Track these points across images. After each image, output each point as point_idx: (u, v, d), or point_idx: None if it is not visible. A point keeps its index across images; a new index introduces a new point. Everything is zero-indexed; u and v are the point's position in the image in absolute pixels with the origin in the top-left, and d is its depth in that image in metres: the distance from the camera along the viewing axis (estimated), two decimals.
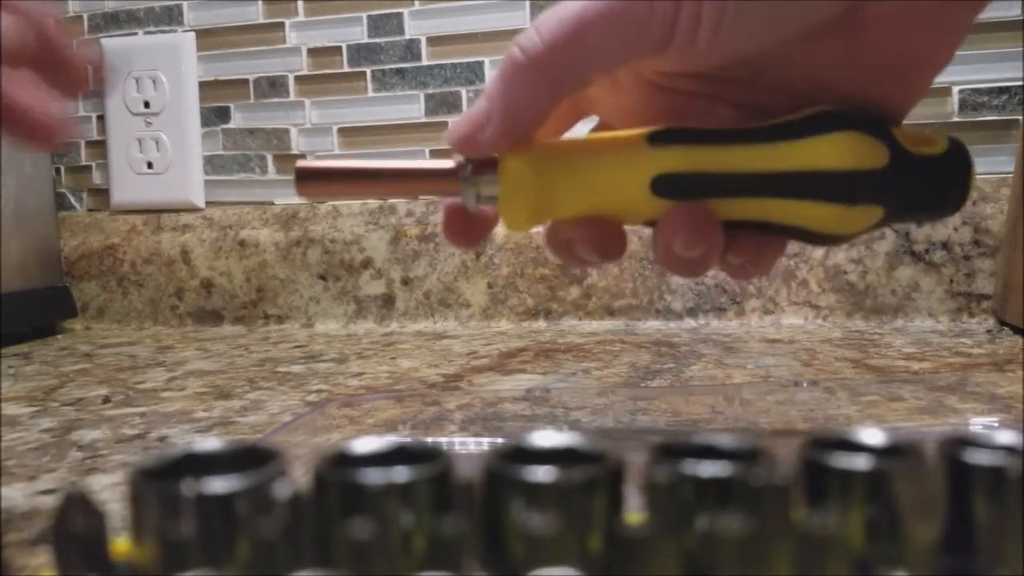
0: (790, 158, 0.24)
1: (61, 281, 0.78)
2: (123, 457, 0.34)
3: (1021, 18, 0.60)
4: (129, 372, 0.55)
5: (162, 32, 0.77)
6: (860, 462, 0.14)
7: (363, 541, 0.13)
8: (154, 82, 0.75)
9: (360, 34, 0.74)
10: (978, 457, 0.15)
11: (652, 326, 0.65)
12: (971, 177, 0.26)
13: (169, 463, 0.15)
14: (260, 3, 0.76)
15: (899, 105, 0.26)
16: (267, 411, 0.42)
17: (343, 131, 0.75)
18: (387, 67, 0.74)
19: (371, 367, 0.53)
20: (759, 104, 0.26)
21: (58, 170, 0.80)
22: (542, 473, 0.14)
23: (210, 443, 0.15)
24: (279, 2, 0.75)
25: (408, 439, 0.16)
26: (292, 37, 0.75)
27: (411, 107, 0.74)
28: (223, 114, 0.76)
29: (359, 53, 0.74)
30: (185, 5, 0.77)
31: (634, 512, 0.14)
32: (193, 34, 0.76)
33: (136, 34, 0.78)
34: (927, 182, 0.25)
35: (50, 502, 0.29)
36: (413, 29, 0.73)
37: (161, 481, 0.14)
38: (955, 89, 0.62)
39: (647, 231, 0.27)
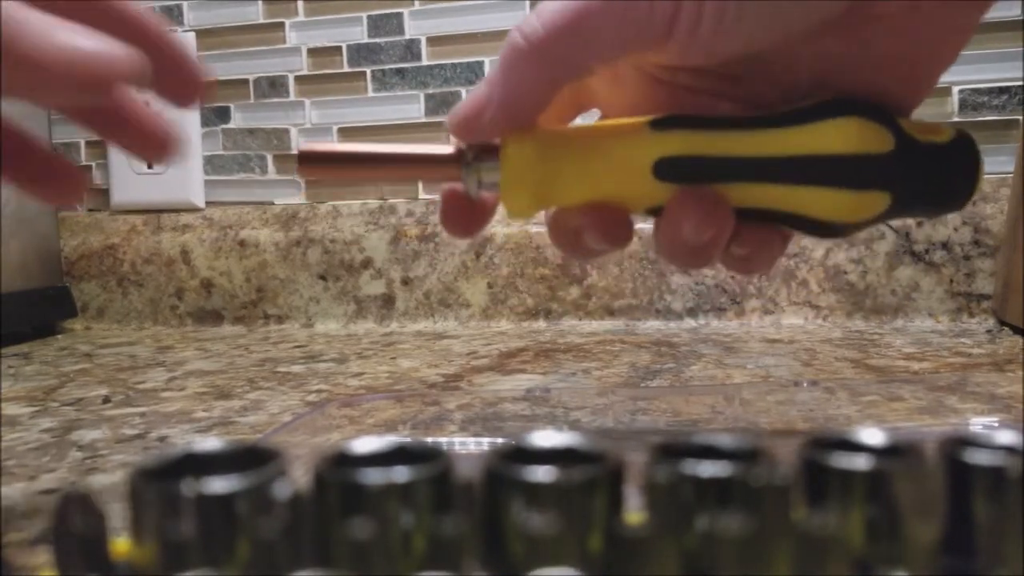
0: (795, 143, 0.24)
1: (61, 281, 0.78)
2: (123, 457, 0.34)
3: (1021, 18, 0.60)
4: (129, 372, 0.55)
5: None
6: (860, 462, 0.14)
7: (363, 541, 0.13)
8: None
9: (360, 34, 0.74)
10: (978, 457, 0.15)
11: (652, 326, 0.65)
12: (979, 168, 0.25)
13: (169, 463, 0.15)
14: (260, 3, 0.76)
15: (903, 103, 0.25)
16: (267, 411, 0.42)
17: (343, 131, 0.75)
18: (387, 67, 0.74)
19: (371, 367, 0.53)
20: (761, 100, 0.26)
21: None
22: (542, 473, 0.14)
23: (210, 443, 0.15)
24: (279, 2, 0.75)
25: (408, 439, 0.16)
26: (292, 37, 0.75)
27: (411, 107, 0.74)
28: (223, 114, 0.76)
29: (359, 53, 0.74)
30: (185, 5, 0.77)
31: (634, 512, 0.14)
32: (193, 34, 0.76)
33: None
34: (934, 170, 0.25)
35: (50, 502, 0.29)
36: (413, 29, 0.73)
37: (161, 481, 0.14)
38: (955, 89, 0.63)
39: (647, 231, 0.27)
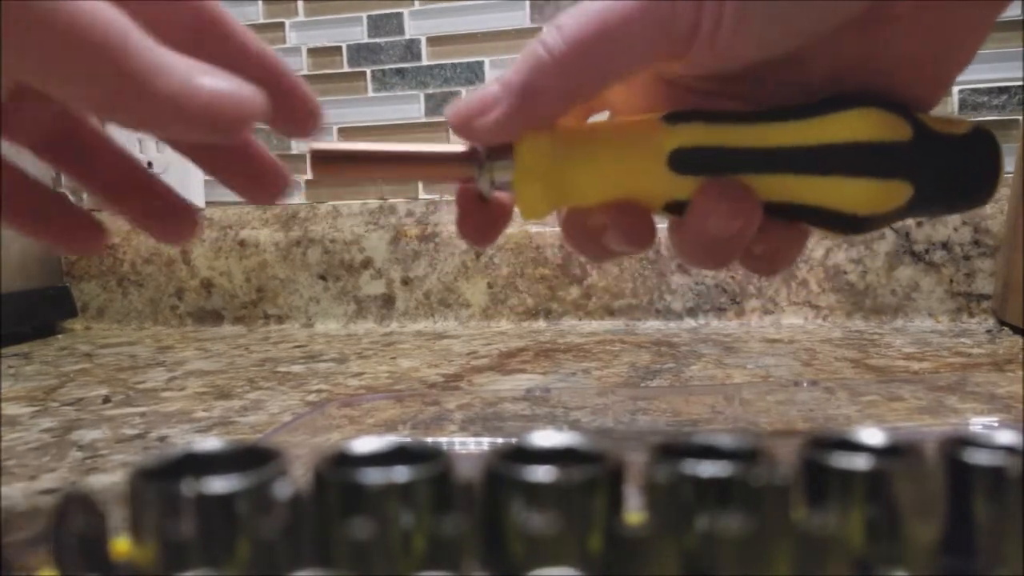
0: (813, 133, 0.24)
1: (61, 281, 0.78)
2: (123, 457, 0.34)
3: (1021, 18, 0.60)
4: (129, 372, 0.55)
5: None
6: (860, 462, 0.14)
7: (363, 541, 0.13)
8: None
9: (360, 34, 0.74)
10: (978, 457, 0.15)
11: (652, 326, 0.65)
12: (999, 161, 0.25)
13: (169, 463, 0.15)
14: (260, 3, 0.76)
15: (919, 103, 0.25)
16: (267, 411, 0.42)
17: (343, 131, 0.75)
18: (387, 67, 0.74)
19: (371, 367, 0.53)
20: (775, 100, 0.25)
21: (58, 172, 0.80)
22: (542, 473, 0.14)
23: (210, 443, 0.15)
24: (279, 2, 0.75)
25: (408, 439, 0.16)
26: (292, 37, 0.75)
27: (411, 107, 0.74)
28: None
29: (359, 53, 0.74)
30: None
31: (634, 512, 0.14)
32: None
33: None
34: (954, 160, 0.25)
35: (50, 502, 0.29)
36: (413, 29, 0.73)
37: (161, 481, 0.14)
38: (955, 89, 0.63)
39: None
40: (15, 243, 0.71)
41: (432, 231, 0.71)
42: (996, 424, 0.33)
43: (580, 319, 0.68)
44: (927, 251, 0.62)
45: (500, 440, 0.33)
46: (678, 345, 0.56)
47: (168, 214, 0.27)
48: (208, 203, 0.76)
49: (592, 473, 0.14)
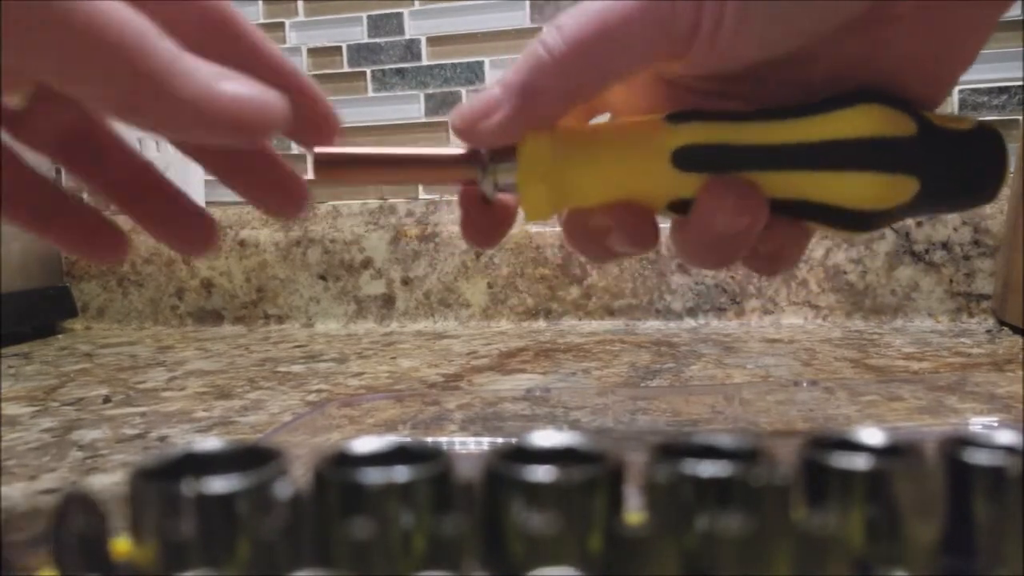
0: (817, 129, 0.24)
1: (61, 281, 0.78)
2: (123, 457, 0.34)
3: (1021, 18, 0.60)
4: (129, 372, 0.55)
5: None
6: (860, 462, 0.14)
7: (363, 541, 0.13)
8: None
9: (360, 34, 0.74)
10: (978, 457, 0.15)
11: (652, 326, 0.65)
12: (1005, 157, 0.25)
13: (169, 463, 0.15)
14: (260, 3, 0.76)
15: (922, 103, 0.25)
16: (267, 411, 0.42)
17: (343, 131, 0.75)
18: (387, 67, 0.74)
19: (371, 367, 0.53)
20: (776, 101, 0.25)
21: (58, 170, 0.80)
22: (542, 473, 0.14)
23: (210, 443, 0.15)
24: (279, 2, 0.75)
25: (408, 439, 0.16)
26: (292, 37, 0.75)
27: (411, 107, 0.74)
28: None
29: (359, 53, 0.74)
30: None
31: (634, 512, 0.14)
32: None
33: None
34: (960, 155, 0.24)
35: (50, 502, 0.29)
36: (413, 29, 0.73)
37: (161, 481, 0.14)
38: (955, 89, 0.62)
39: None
40: (15, 243, 0.71)
41: (432, 231, 0.71)
42: (996, 424, 0.33)
43: (580, 319, 0.68)
44: (927, 251, 0.62)
45: (500, 440, 0.33)
46: (678, 345, 0.56)
47: (182, 220, 0.27)
48: (208, 203, 0.76)
49: (592, 473, 0.14)
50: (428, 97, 0.73)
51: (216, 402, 0.44)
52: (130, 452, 0.35)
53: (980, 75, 0.62)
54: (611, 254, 0.27)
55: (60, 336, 0.74)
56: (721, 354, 0.52)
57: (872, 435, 0.16)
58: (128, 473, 0.14)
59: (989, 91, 0.63)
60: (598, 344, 0.58)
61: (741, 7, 0.22)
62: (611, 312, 0.67)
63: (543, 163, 0.25)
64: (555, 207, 0.26)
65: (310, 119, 0.26)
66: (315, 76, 0.75)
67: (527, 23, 0.70)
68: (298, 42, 0.75)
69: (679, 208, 0.25)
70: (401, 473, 0.14)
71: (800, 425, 0.34)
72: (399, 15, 0.73)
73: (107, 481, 0.31)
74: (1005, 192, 0.60)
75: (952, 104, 0.63)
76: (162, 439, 0.37)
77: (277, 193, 0.27)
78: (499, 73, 0.25)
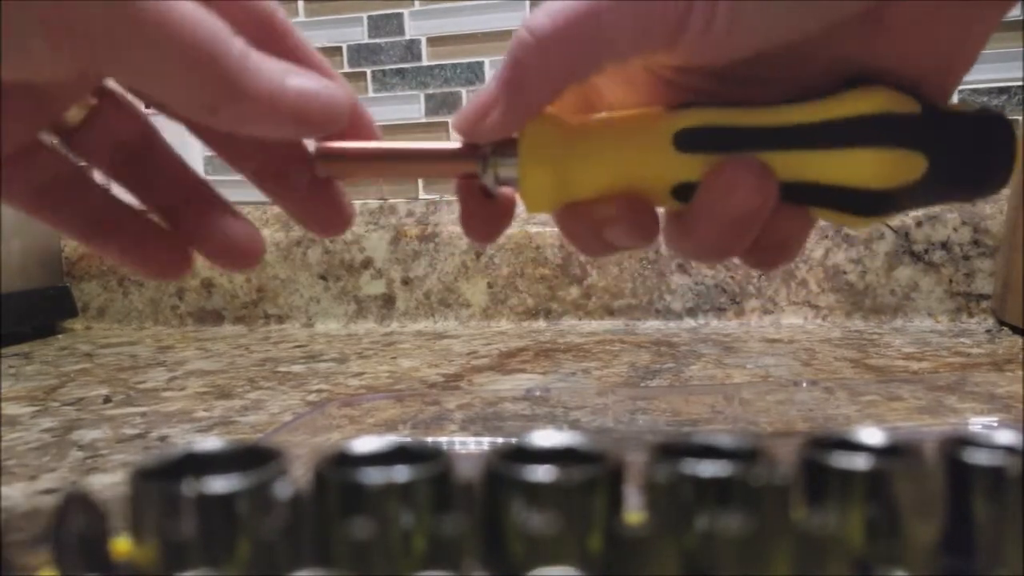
0: (822, 111, 0.24)
1: (62, 281, 0.78)
2: (124, 457, 0.34)
3: (1021, 18, 0.60)
4: (130, 372, 0.55)
5: None
6: (860, 462, 0.14)
7: (363, 541, 0.13)
8: None
9: (360, 34, 0.74)
10: (978, 457, 0.15)
11: (652, 326, 0.65)
12: (1015, 140, 0.24)
13: (169, 463, 0.15)
14: None
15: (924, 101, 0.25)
16: (267, 411, 0.42)
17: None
18: (387, 67, 0.74)
19: (371, 367, 0.53)
20: (776, 100, 0.25)
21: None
22: (542, 473, 0.14)
23: (210, 443, 0.15)
24: (279, 2, 0.75)
25: (408, 439, 0.16)
26: None
27: (411, 107, 0.74)
28: None
29: (359, 53, 0.74)
30: None
31: (634, 512, 0.14)
32: None
33: None
34: (966, 135, 0.24)
35: (50, 502, 0.29)
36: (413, 29, 0.73)
37: (161, 481, 0.14)
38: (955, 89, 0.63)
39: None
40: (15, 243, 0.71)
41: (432, 231, 0.71)
42: (996, 424, 0.33)
43: (580, 319, 0.68)
44: (927, 251, 0.62)
45: (500, 440, 0.33)
46: (678, 345, 0.56)
47: (231, 235, 0.27)
48: None
49: (592, 473, 0.14)
50: (428, 97, 0.73)
51: (216, 402, 0.44)
52: (130, 452, 0.35)
53: (980, 75, 0.62)
54: (610, 248, 0.27)
55: (60, 336, 0.74)
56: (721, 354, 0.52)
57: (872, 435, 0.16)
58: (128, 473, 0.14)
59: (989, 91, 0.63)
60: (598, 344, 0.58)
61: (733, 4, 0.22)
62: (611, 312, 0.67)
63: (544, 153, 0.24)
64: (556, 197, 0.25)
65: (352, 125, 0.26)
66: None
67: None
68: None
69: (683, 194, 0.25)
70: (401, 473, 0.14)
71: (800, 425, 0.34)
72: (399, 15, 0.73)
73: (107, 481, 0.31)
74: (1005, 192, 0.60)
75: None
76: (162, 439, 0.37)
77: (321, 210, 0.27)
78: None
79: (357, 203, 0.73)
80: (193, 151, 0.27)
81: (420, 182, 0.74)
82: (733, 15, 0.22)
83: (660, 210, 0.26)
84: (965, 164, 0.24)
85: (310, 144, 0.26)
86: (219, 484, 0.13)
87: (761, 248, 0.26)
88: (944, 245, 0.62)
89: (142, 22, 0.18)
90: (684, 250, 0.26)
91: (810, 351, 0.52)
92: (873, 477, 0.14)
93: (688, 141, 0.24)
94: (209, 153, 0.26)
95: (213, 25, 0.19)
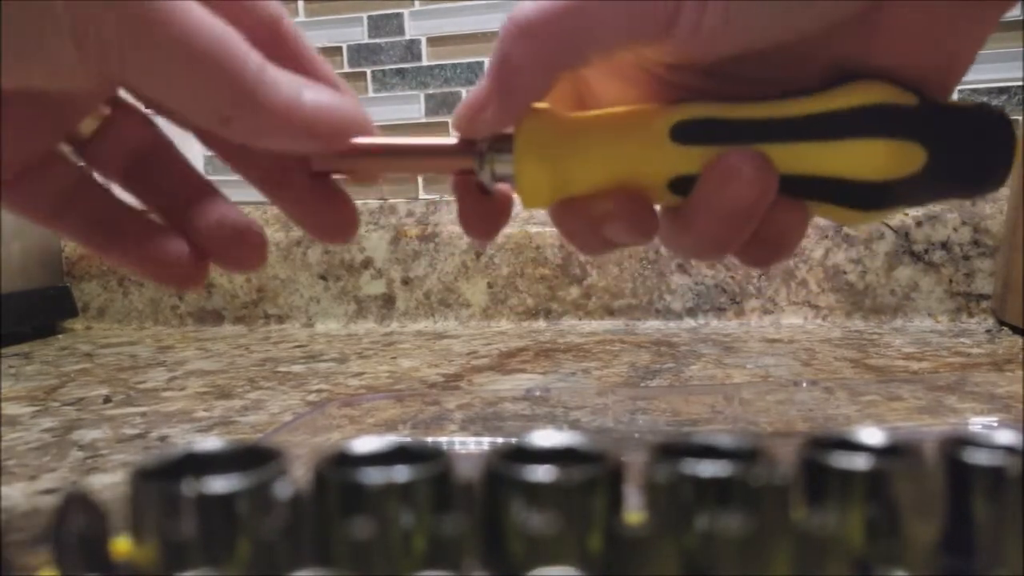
0: (820, 103, 0.24)
1: (62, 281, 0.78)
2: (124, 457, 0.34)
3: (1021, 18, 0.60)
4: (130, 372, 0.55)
5: None
6: (860, 462, 0.14)
7: (363, 541, 0.13)
8: None
9: (360, 34, 0.74)
10: (978, 457, 0.15)
11: (652, 326, 0.65)
12: (1013, 136, 0.24)
13: (169, 463, 0.15)
14: None
15: None
16: (268, 411, 0.42)
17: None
18: (387, 67, 0.74)
19: (371, 367, 0.53)
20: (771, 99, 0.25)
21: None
22: (542, 473, 0.14)
23: (211, 443, 0.16)
24: (279, 2, 0.75)
25: (408, 439, 0.16)
26: None
27: (411, 107, 0.74)
28: None
29: (359, 53, 0.74)
30: None
31: (634, 512, 0.14)
32: None
33: None
34: (965, 128, 0.24)
35: (50, 502, 0.29)
36: (413, 29, 0.73)
37: (161, 481, 0.14)
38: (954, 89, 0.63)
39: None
40: (15, 243, 0.71)
41: (432, 231, 0.71)
42: (996, 424, 0.33)
43: (580, 319, 0.68)
44: (926, 251, 0.62)
45: (500, 440, 0.33)
46: (678, 345, 0.56)
47: (237, 239, 0.26)
48: None
49: (592, 473, 0.14)
50: (428, 97, 0.73)
51: (216, 402, 0.44)
52: (130, 452, 0.35)
53: (980, 75, 0.62)
54: (608, 245, 0.27)
55: (60, 336, 0.74)
56: (721, 354, 0.52)
57: (872, 435, 0.16)
58: (128, 473, 0.14)
59: (989, 91, 0.63)
60: (598, 344, 0.58)
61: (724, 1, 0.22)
62: (611, 312, 0.67)
63: (540, 147, 0.24)
64: (552, 192, 0.25)
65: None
66: None
67: None
68: None
69: (680, 188, 0.25)
70: (401, 473, 0.14)
71: (800, 425, 0.34)
72: (399, 15, 0.73)
73: (107, 481, 0.31)
74: (1005, 192, 0.60)
75: None
76: (162, 439, 0.37)
77: (324, 215, 0.27)
78: None
79: (357, 203, 0.73)
80: (193, 151, 0.27)
81: (420, 182, 0.74)
82: (724, 12, 0.22)
83: (657, 207, 0.26)
84: (964, 159, 0.24)
85: None
86: (219, 484, 0.13)
87: (758, 242, 0.25)
88: (944, 245, 0.62)
89: (163, 31, 0.19)
90: (682, 246, 0.26)
91: (810, 351, 0.52)
92: (873, 477, 0.14)
93: (685, 133, 0.24)
94: (209, 153, 0.26)
95: (232, 38, 0.20)
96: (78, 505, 0.14)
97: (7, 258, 0.70)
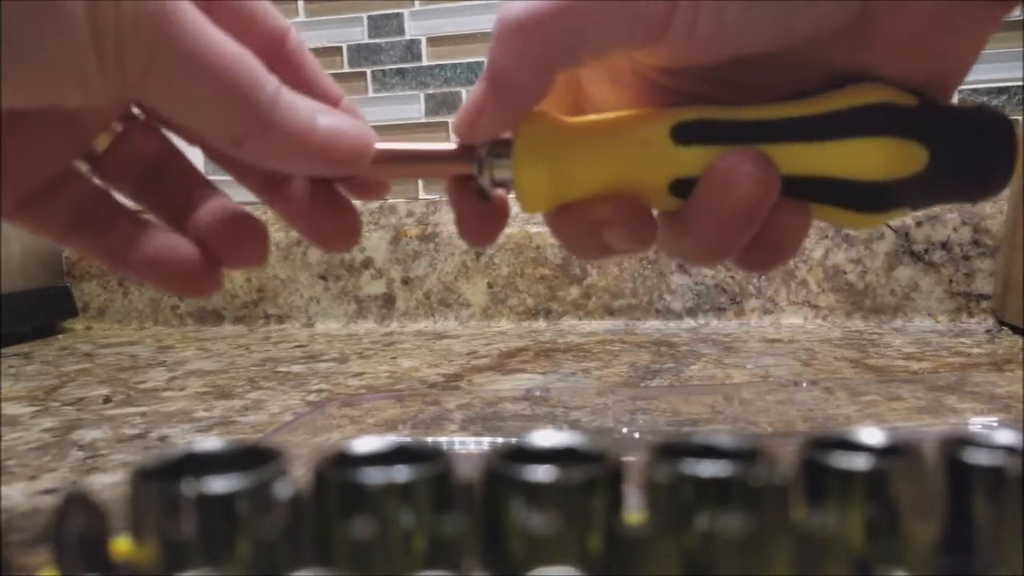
0: (820, 104, 0.24)
1: (62, 281, 0.78)
2: (124, 457, 0.34)
3: (1021, 18, 0.60)
4: (130, 372, 0.55)
5: None
6: (860, 462, 0.14)
7: (363, 541, 0.13)
8: None
9: (360, 34, 0.74)
10: (978, 457, 0.15)
11: (652, 326, 0.65)
12: (1015, 137, 0.24)
13: (169, 463, 0.15)
14: None
15: None
16: (268, 411, 0.42)
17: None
18: (387, 67, 0.74)
19: (371, 367, 0.53)
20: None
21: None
22: (542, 473, 0.14)
23: (211, 443, 0.16)
24: (279, 2, 0.75)
25: (408, 439, 0.16)
26: None
27: (411, 107, 0.74)
28: None
29: (359, 53, 0.74)
30: None
31: (634, 512, 0.14)
32: None
33: None
34: (966, 129, 0.24)
35: (51, 502, 0.29)
36: (413, 29, 0.73)
37: (161, 481, 0.14)
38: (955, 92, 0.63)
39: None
40: (15, 243, 0.71)
41: (432, 231, 0.71)
42: (996, 424, 0.33)
43: (580, 319, 0.68)
44: (926, 251, 0.62)
45: (500, 440, 0.33)
46: (678, 345, 0.56)
47: (248, 239, 0.27)
48: None
49: (592, 473, 0.14)
50: (428, 97, 0.73)
51: (216, 402, 0.44)
52: (130, 452, 0.35)
53: (980, 75, 0.62)
54: (605, 251, 0.26)
55: (60, 336, 0.74)
56: (721, 354, 0.52)
57: (872, 435, 0.16)
58: (128, 473, 0.14)
59: (989, 91, 0.63)
60: (598, 344, 0.58)
61: (718, 4, 0.22)
62: (611, 312, 0.67)
63: (539, 150, 0.24)
64: (552, 196, 0.25)
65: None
66: None
67: None
68: None
69: (680, 191, 0.25)
70: (401, 473, 0.14)
71: (800, 425, 0.34)
72: (399, 15, 0.73)
73: (107, 481, 0.31)
74: (1004, 192, 0.60)
75: None
76: (162, 439, 0.37)
77: (326, 223, 0.27)
78: None
79: (357, 203, 0.73)
80: (193, 151, 0.27)
81: (420, 182, 0.74)
82: (719, 13, 0.22)
83: (655, 213, 0.26)
84: (966, 160, 0.24)
85: None
86: (219, 484, 0.13)
87: (759, 246, 0.25)
88: (944, 245, 0.62)
89: (182, 47, 0.19)
90: (681, 251, 0.26)
91: (810, 351, 0.52)
92: (873, 477, 0.14)
93: (686, 134, 0.24)
94: None
95: (249, 59, 0.20)
96: (78, 505, 0.14)
97: (7, 258, 0.70)
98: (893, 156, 0.23)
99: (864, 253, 0.63)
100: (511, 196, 0.27)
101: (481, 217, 0.27)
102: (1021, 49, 0.61)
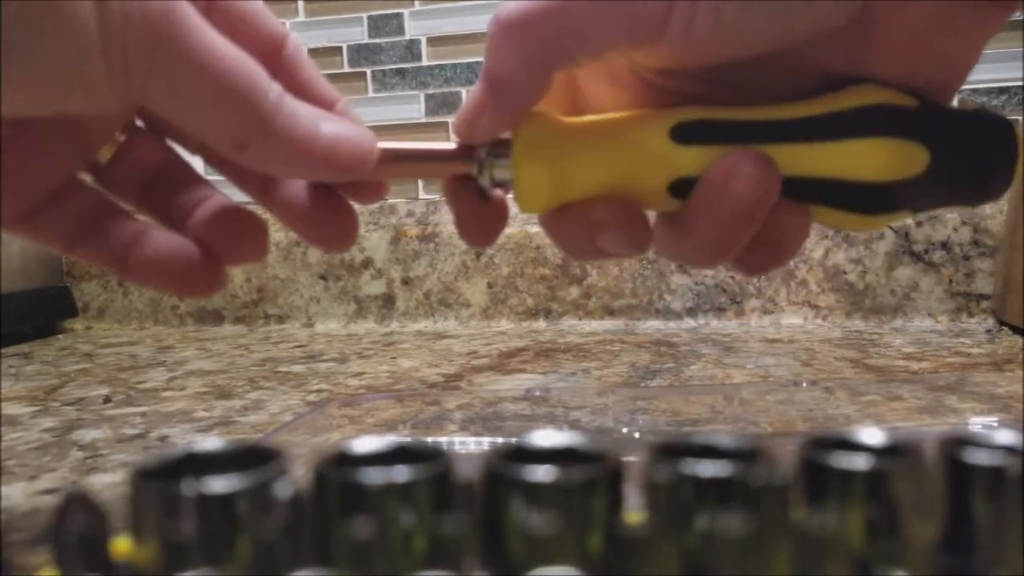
0: (820, 105, 0.24)
1: (62, 281, 0.78)
2: (124, 457, 0.34)
3: (1021, 18, 0.60)
4: (130, 372, 0.55)
5: None
6: (860, 462, 0.14)
7: (363, 541, 0.13)
8: None
9: (360, 34, 0.74)
10: (978, 457, 0.15)
11: (652, 326, 0.65)
12: (1016, 140, 0.24)
13: (169, 463, 0.15)
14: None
15: None
16: (268, 411, 0.42)
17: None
18: (387, 67, 0.74)
19: (371, 367, 0.53)
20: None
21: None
22: (542, 473, 0.14)
23: (211, 443, 0.16)
24: (279, 2, 0.75)
25: (408, 439, 0.16)
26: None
27: (411, 107, 0.74)
28: None
29: (359, 53, 0.74)
30: None
31: (634, 512, 0.14)
32: None
33: None
34: (967, 131, 0.24)
35: (51, 502, 0.29)
36: (413, 29, 0.73)
37: (161, 481, 0.14)
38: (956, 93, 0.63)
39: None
40: (15, 243, 0.71)
41: (432, 231, 0.71)
42: (996, 424, 0.33)
43: (580, 319, 0.68)
44: (926, 251, 0.62)
45: (500, 440, 0.33)
46: (678, 345, 0.56)
47: (249, 238, 0.27)
48: None
49: (592, 473, 0.14)
50: (428, 97, 0.73)
51: (216, 402, 0.44)
52: (130, 452, 0.35)
53: (980, 75, 0.62)
54: (599, 254, 0.26)
55: (60, 336, 0.74)
56: (721, 354, 0.52)
57: (872, 435, 0.16)
58: (128, 473, 0.14)
59: (989, 91, 0.63)
60: (598, 344, 0.58)
61: (715, 4, 0.22)
62: (611, 312, 0.67)
63: (538, 150, 0.24)
64: (551, 196, 0.25)
65: None
66: None
67: None
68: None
69: (679, 191, 0.25)
70: (401, 473, 0.14)
71: (800, 425, 0.34)
72: (399, 15, 0.73)
73: (107, 481, 0.31)
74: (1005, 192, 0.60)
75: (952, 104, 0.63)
76: (162, 439, 0.37)
77: (324, 224, 0.27)
78: None
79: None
80: (194, 158, 0.27)
81: (420, 182, 0.74)
82: (716, 13, 0.22)
83: (651, 216, 0.26)
84: (967, 162, 0.24)
85: None
86: (219, 484, 0.13)
87: (758, 247, 0.25)
88: (944, 245, 0.62)
89: (183, 51, 0.19)
90: (680, 252, 0.26)
91: (810, 351, 0.52)
92: (873, 477, 0.14)
93: (686, 133, 0.24)
94: None
95: (250, 64, 0.20)
96: (78, 505, 0.14)
97: (7, 258, 0.70)
98: (893, 157, 0.23)
99: (864, 253, 0.63)
100: (510, 196, 0.27)
101: (481, 217, 0.27)
102: (1021, 49, 0.61)
